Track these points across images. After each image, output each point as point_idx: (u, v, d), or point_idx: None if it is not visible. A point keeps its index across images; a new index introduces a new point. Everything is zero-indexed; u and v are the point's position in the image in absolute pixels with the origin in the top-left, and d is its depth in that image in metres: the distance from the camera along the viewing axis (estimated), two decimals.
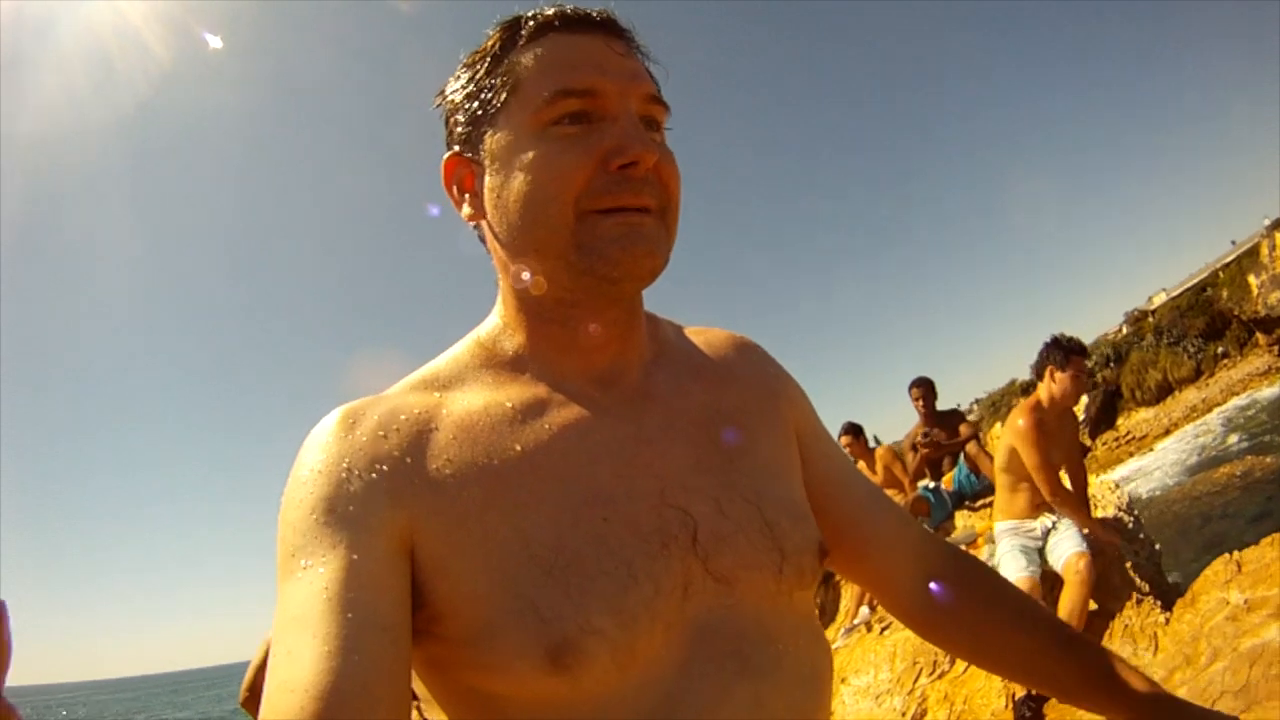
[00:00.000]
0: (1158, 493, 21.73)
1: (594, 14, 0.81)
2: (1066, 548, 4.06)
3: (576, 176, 0.75)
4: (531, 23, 0.80)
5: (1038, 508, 4.35)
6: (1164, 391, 29.05)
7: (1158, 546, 4.89)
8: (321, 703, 0.58)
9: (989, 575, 1.01)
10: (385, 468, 0.73)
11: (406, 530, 0.71)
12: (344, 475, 0.72)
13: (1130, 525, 4.78)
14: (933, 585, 0.97)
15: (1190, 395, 28.02)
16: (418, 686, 0.77)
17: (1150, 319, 33.35)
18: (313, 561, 0.67)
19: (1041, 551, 4.23)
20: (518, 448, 0.76)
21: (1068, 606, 3.88)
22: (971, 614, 0.98)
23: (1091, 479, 5.40)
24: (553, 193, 0.75)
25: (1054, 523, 4.28)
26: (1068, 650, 0.92)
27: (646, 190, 0.77)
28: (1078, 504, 4.22)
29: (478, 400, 0.80)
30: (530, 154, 0.76)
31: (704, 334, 0.99)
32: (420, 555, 0.71)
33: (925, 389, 6.73)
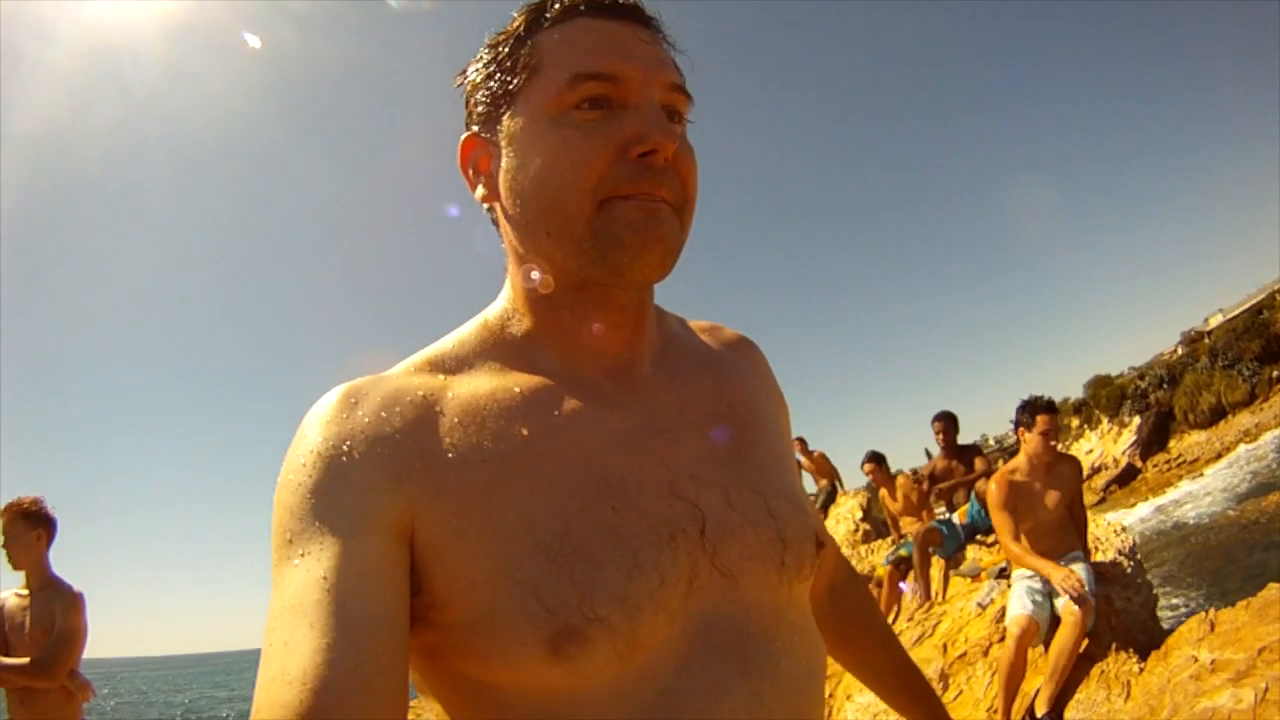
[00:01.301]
0: (1205, 519, 21.40)
1: (621, 0, 0.80)
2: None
3: (595, 164, 0.74)
4: (557, 5, 0.79)
5: (1041, 555, 4.57)
6: (1217, 415, 28.43)
7: (1156, 592, 5.07)
8: (319, 696, 0.58)
9: (871, 602, 1.17)
10: (386, 451, 0.71)
11: (407, 516, 0.69)
12: (344, 459, 0.70)
13: (1129, 570, 4.96)
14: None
15: (1243, 419, 27.35)
16: (411, 675, 0.76)
17: (1206, 340, 32.65)
18: (310, 549, 0.65)
19: (1051, 596, 4.43)
20: (525, 433, 0.75)
21: (1058, 646, 4.12)
22: (853, 629, 1.13)
23: (1099, 519, 5.59)
24: (570, 180, 0.74)
25: None
26: (909, 678, 1.12)
27: (665, 181, 0.76)
28: (1028, 558, 4.45)
29: (484, 384, 0.78)
30: (548, 138, 0.76)
31: (709, 329, 1.00)
32: (420, 540, 0.70)
33: (946, 423, 6.97)
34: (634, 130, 0.74)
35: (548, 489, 0.72)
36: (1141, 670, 3.96)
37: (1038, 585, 4.48)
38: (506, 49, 0.81)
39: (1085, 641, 4.27)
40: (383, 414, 0.73)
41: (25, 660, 3.27)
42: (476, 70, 0.85)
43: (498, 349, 0.83)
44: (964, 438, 7.15)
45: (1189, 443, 28.67)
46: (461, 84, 0.87)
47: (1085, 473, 31.36)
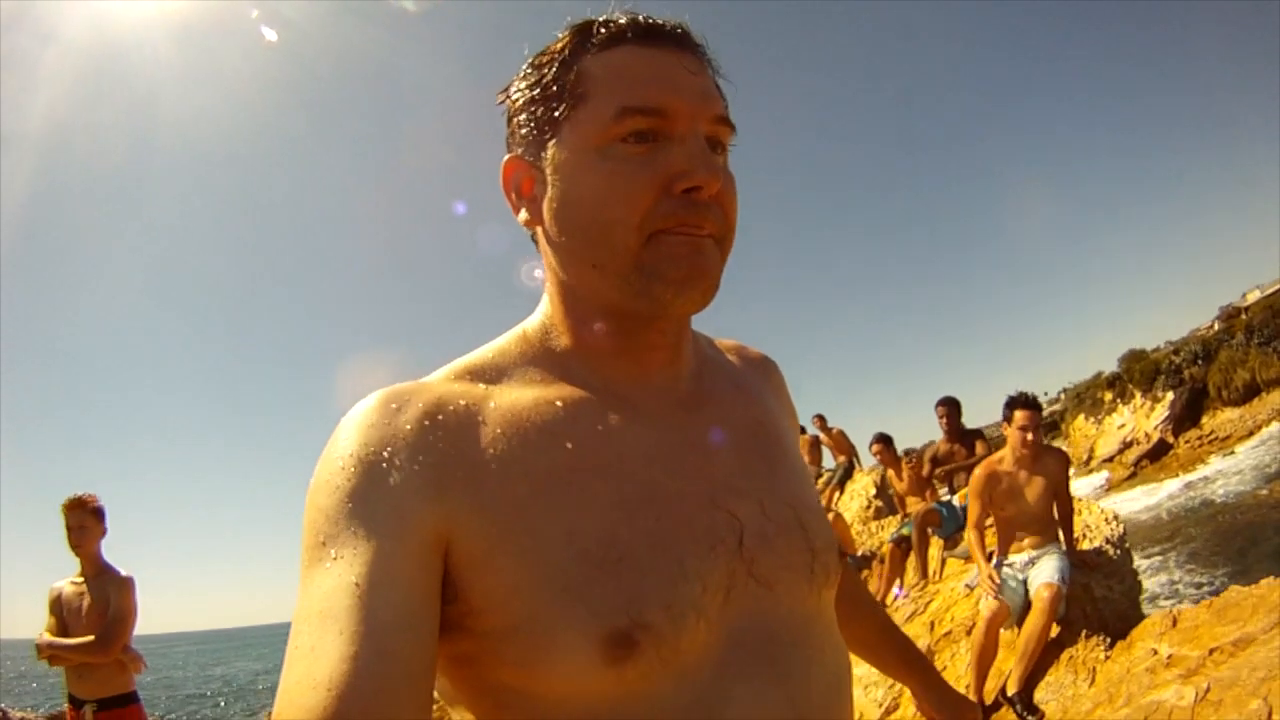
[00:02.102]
0: (1233, 498, 21.34)
1: (668, 26, 0.80)
2: (1038, 579, 4.53)
3: (641, 200, 0.74)
4: (604, 30, 0.79)
5: (1020, 543, 4.87)
6: (1251, 392, 28.22)
7: (1141, 579, 5.26)
8: (345, 703, 0.57)
9: (852, 576, 1.19)
10: (428, 460, 0.70)
11: (445, 526, 0.69)
12: (384, 465, 0.69)
13: (1116, 556, 5.16)
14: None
15: (1277, 397, 27.13)
16: (440, 683, 0.77)
17: (1243, 316, 32.23)
18: (343, 553, 0.65)
19: (1025, 582, 4.68)
20: (568, 446, 0.75)
21: (1027, 630, 4.36)
22: (841, 604, 1.09)
23: (1093, 507, 5.79)
24: (618, 216, 0.75)
25: (1033, 557, 4.76)
26: (898, 645, 1.20)
27: (709, 216, 0.77)
28: (974, 549, 4.90)
29: (526, 395, 0.78)
30: (594, 172, 0.76)
31: (734, 348, 1.03)
32: (460, 550, 0.69)
33: (950, 408, 7.16)
34: (679, 166, 0.75)
35: (591, 500, 0.72)
36: (1107, 658, 4.18)
37: (1013, 571, 4.74)
38: (551, 73, 0.80)
39: (1056, 628, 4.53)
40: (426, 422, 0.73)
41: (87, 639, 3.74)
42: (519, 90, 0.84)
43: (538, 362, 0.83)
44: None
45: (1221, 419, 28.54)
46: (504, 101, 0.86)
47: (1117, 447, 31.78)
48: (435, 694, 0.72)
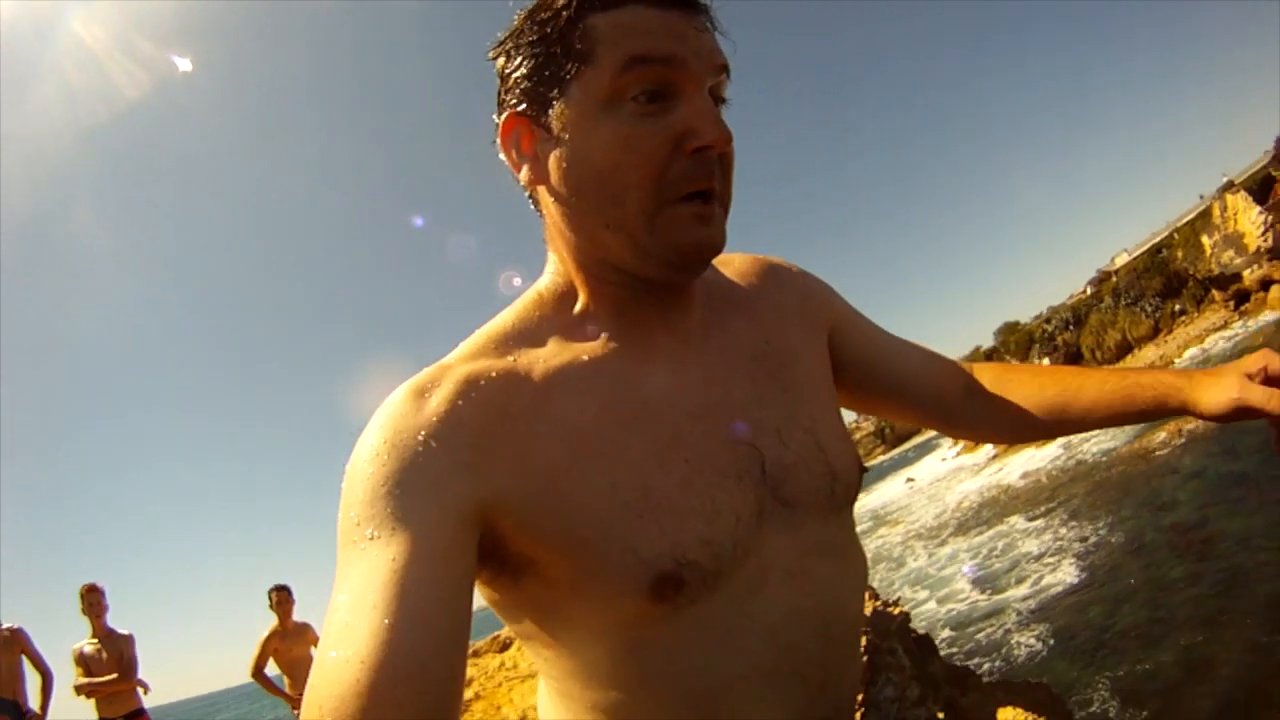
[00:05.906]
0: (1104, 457, 22.16)
1: None
2: None
3: (654, 159, 0.75)
4: None
5: None
6: (1123, 350, 29.41)
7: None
8: (378, 675, 0.58)
9: (1005, 370, 1.09)
10: (463, 439, 0.72)
11: (486, 500, 0.71)
12: (418, 448, 0.71)
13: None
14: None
15: (1149, 352, 28.26)
16: (515, 613, 0.82)
17: (1112, 280, 33.29)
18: (380, 533, 0.66)
19: None
20: (597, 403, 0.78)
21: None
22: (1004, 406, 1.05)
23: None
24: (633, 179, 0.76)
25: None
26: (1083, 392, 0.99)
27: (715, 171, 0.78)
28: None
29: (553, 359, 0.80)
30: (606, 132, 0.76)
31: (732, 263, 1.01)
32: (506, 520, 0.72)
33: None
34: (689, 124, 0.76)
35: (625, 452, 0.76)
36: None
37: None
38: (556, 30, 0.78)
39: None
40: (459, 402, 0.74)
41: (113, 676, 5.53)
42: (518, 45, 0.82)
43: (557, 321, 0.85)
44: None
45: None
46: (499, 55, 0.84)
47: None
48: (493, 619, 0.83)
